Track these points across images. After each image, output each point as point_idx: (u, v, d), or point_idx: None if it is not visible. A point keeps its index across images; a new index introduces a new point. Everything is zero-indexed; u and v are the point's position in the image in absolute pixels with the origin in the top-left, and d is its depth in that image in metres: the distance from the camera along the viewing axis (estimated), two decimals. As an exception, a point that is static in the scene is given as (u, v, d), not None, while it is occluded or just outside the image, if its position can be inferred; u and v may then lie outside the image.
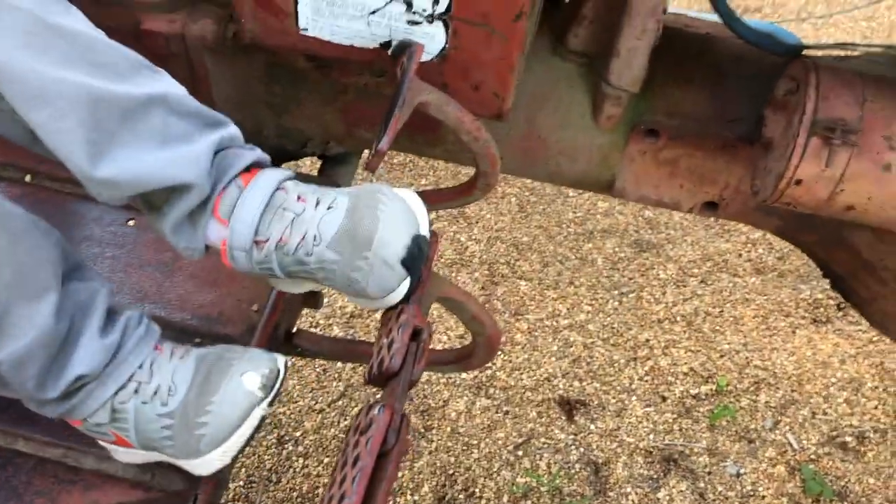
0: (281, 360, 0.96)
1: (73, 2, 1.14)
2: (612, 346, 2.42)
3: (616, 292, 2.56)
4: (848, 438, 2.24)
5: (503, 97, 1.08)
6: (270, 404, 0.94)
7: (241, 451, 0.95)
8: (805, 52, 1.21)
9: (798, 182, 0.98)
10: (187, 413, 0.92)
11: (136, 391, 0.94)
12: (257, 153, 0.98)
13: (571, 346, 2.41)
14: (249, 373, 0.92)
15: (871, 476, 2.17)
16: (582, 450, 2.19)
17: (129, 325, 0.96)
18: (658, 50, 1.21)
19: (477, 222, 2.78)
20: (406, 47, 1.00)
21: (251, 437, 0.94)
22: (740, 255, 2.69)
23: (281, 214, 0.91)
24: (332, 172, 1.46)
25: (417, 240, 0.90)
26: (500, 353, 2.39)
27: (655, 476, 2.16)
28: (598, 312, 2.50)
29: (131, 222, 1.27)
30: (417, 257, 0.89)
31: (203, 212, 0.93)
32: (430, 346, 0.95)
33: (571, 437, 2.22)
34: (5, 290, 0.83)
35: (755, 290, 2.57)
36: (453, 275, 2.59)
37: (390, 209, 0.90)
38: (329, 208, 0.91)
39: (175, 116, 0.91)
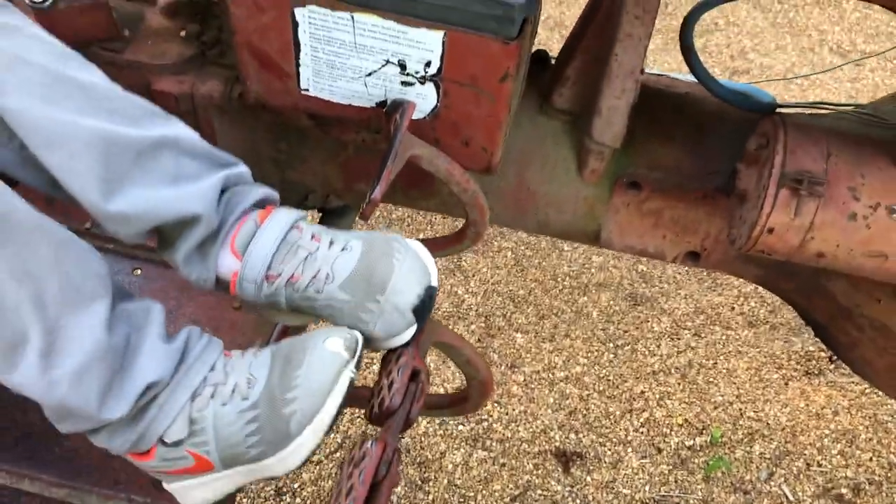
0: (356, 332, 0.94)
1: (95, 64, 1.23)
2: (607, 398, 2.45)
3: (611, 345, 2.60)
4: (843, 490, 2.25)
5: (492, 152, 1.14)
6: (356, 368, 0.91)
7: (332, 426, 0.90)
8: (778, 109, 1.29)
9: (770, 230, 1.04)
10: (273, 395, 0.89)
11: (212, 395, 0.91)
12: (266, 190, 1.04)
13: (567, 398, 2.44)
14: (332, 338, 0.91)
15: (866, 528, 2.17)
16: (578, 502, 2.21)
17: (192, 334, 0.95)
18: (639, 107, 1.28)
19: (473, 275, 2.83)
20: (399, 106, 1.07)
21: (343, 407, 0.90)
22: (733, 308, 2.73)
23: (295, 252, 0.95)
24: (331, 224, 1.52)
25: (430, 290, 0.95)
26: (496, 405, 2.42)
27: (652, 528, 2.17)
28: (594, 365, 2.54)
29: (138, 271, 1.33)
30: (428, 306, 0.94)
31: (213, 243, 0.98)
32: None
33: (568, 488, 2.24)
34: (54, 304, 0.84)
35: (748, 343, 2.61)
36: (450, 327, 2.63)
37: (405, 258, 0.95)
38: (343, 250, 0.96)
39: (186, 157, 0.97)
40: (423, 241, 1.29)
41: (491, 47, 1.00)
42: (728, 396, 2.45)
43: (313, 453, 0.92)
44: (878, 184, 1.01)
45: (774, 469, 2.29)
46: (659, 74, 1.38)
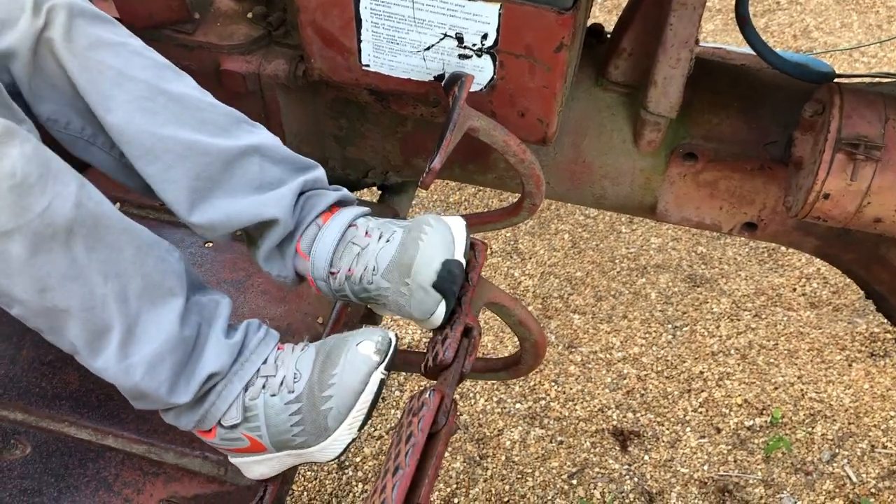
0: (390, 332, 1.01)
1: (163, 43, 1.30)
2: (665, 379, 2.44)
3: (669, 326, 2.59)
4: (909, 472, 2.22)
5: (547, 123, 1.17)
6: (387, 369, 0.97)
7: (365, 422, 0.97)
8: (837, 79, 1.28)
9: (826, 196, 1.04)
10: (313, 391, 0.96)
11: (263, 386, 0.99)
12: (341, 193, 1.11)
13: (625, 379, 2.45)
14: (364, 342, 0.97)
15: (934, 511, 2.13)
16: (636, 479, 2.22)
17: (250, 328, 1.04)
18: (695, 79, 1.29)
19: (530, 258, 2.85)
20: (457, 79, 1.10)
21: (375, 404, 0.97)
22: (794, 290, 2.69)
23: (350, 249, 1.03)
24: (391, 201, 1.56)
25: (448, 264, 0.97)
26: (553, 383, 2.44)
27: (710, 507, 2.17)
28: (652, 345, 2.54)
29: (209, 244, 1.39)
30: (448, 280, 0.97)
31: (290, 245, 1.07)
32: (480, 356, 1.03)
33: (625, 467, 2.25)
34: (136, 299, 0.93)
35: (810, 324, 2.58)
36: (508, 309, 2.66)
37: (430, 238, 0.99)
38: (387, 241, 1.02)
39: (270, 163, 1.06)
40: (479, 213, 1.33)
41: (546, 18, 1.03)
42: (789, 377, 2.42)
43: (350, 444, 0.99)
44: (938, 147, 1.00)
45: (837, 450, 2.26)
46: (715, 47, 1.38)
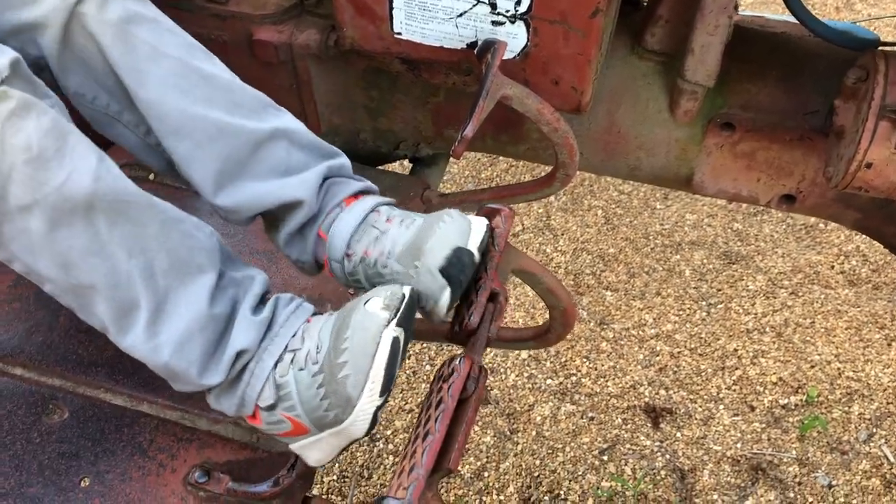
0: (406, 287, 0.94)
1: (196, 13, 1.30)
2: (699, 356, 2.42)
3: (704, 303, 2.56)
4: (951, 453, 2.17)
5: (582, 91, 1.15)
6: (401, 325, 0.91)
7: (388, 387, 0.91)
8: (881, 47, 1.24)
9: (869, 165, 1.01)
10: (331, 360, 0.92)
11: (292, 361, 0.95)
12: (365, 183, 1.10)
13: (658, 356, 2.43)
14: (372, 299, 0.92)
15: (974, 493, 2.09)
16: (668, 457, 2.20)
17: (280, 302, 1.01)
18: (733, 47, 1.26)
19: (562, 234, 2.83)
20: (490, 46, 1.09)
21: (393, 366, 0.91)
22: (832, 267, 2.65)
23: (370, 232, 1.02)
24: (422, 173, 1.56)
25: (459, 252, 0.95)
26: (585, 359, 2.43)
27: (743, 484, 2.15)
28: (686, 323, 2.51)
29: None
30: (457, 267, 0.94)
31: (312, 227, 1.06)
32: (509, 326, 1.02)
33: (657, 443, 2.24)
34: (163, 276, 0.92)
35: (848, 302, 2.53)
36: (540, 285, 2.65)
37: (447, 225, 0.97)
38: (406, 228, 1.00)
39: (296, 147, 1.05)
40: (513, 185, 1.32)
41: (581, -18, 1.01)
42: (826, 356, 2.38)
43: (380, 412, 0.93)
44: None
45: (874, 430, 2.22)
46: (755, 15, 1.35)
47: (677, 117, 1.26)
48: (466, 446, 2.28)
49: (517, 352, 2.44)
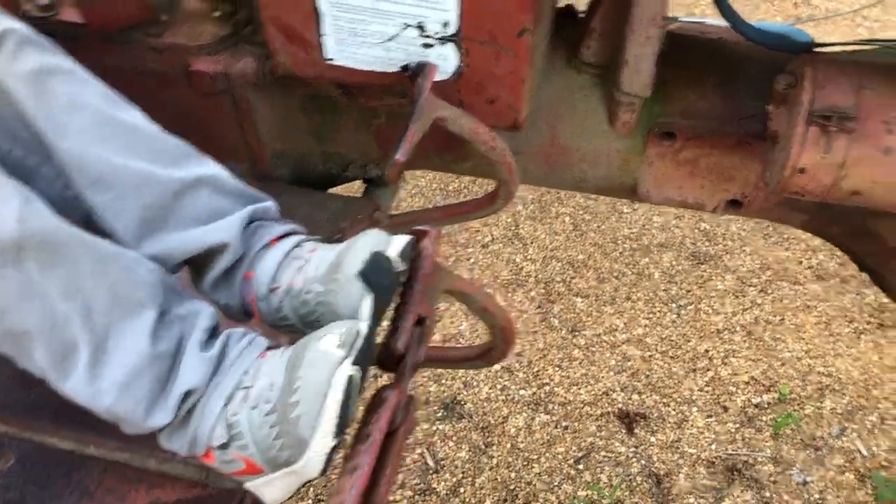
0: (362, 323, 0.91)
1: (133, 46, 1.29)
2: (670, 359, 2.42)
3: (674, 305, 2.57)
4: (922, 444, 2.18)
5: (517, 108, 1.14)
6: (357, 363, 0.87)
7: (344, 426, 0.87)
8: (816, 49, 1.25)
9: (802, 170, 1.01)
10: (284, 399, 0.89)
11: (244, 399, 0.92)
12: (290, 226, 1.09)
13: (629, 360, 2.43)
14: (327, 336, 0.89)
15: (947, 482, 2.10)
16: (643, 462, 2.20)
17: (232, 338, 0.98)
18: (670, 55, 1.26)
19: (531, 242, 2.83)
20: (422, 68, 1.08)
21: (348, 406, 0.87)
22: (800, 263, 2.66)
23: (293, 264, 1.01)
24: (374, 194, 1.55)
25: (377, 256, 0.93)
26: (557, 368, 2.42)
27: (719, 486, 2.15)
28: (656, 326, 2.51)
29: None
30: (376, 271, 0.92)
31: (238, 270, 1.05)
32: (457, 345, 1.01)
33: (632, 449, 2.23)
34: (102, 315, 0.89)
35: (817, 297, 2.54)
36: (509, 294, 2.64)
37: (366, 237, 0.96)
38: (330, 251, 1.00)
39: (219, 194, 1.04)
40: (456, 204, 1.32)
41: (506, 3, 1.01)
42: (796, 352, 2.39)
43: (335, 452, 0.89)
44: (914, 115, 0.97)
45: (847, 424, 2.23)
46: (693, 21, 1.35)
47: (617, 128, 1.25)
48: (442, 462, 2.27)
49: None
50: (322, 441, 0.87)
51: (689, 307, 2.55)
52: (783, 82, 1.05)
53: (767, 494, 2.12)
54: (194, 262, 1.06)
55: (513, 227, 2.89)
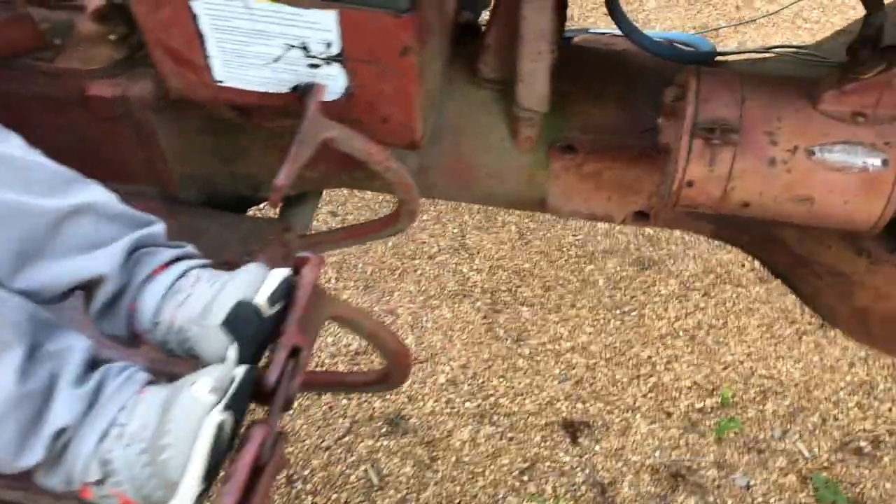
0: (239, 368, 0.90)
1: (24, 73, 1.25)
2: (614, 366, 2.41)
3: (618, 311, 2.56)
4: (862, 443, 2.19)
5: (412, 127, 1.13)
6: (230, 408, 0.87)
7: (215, 470, 0.87)
8: (718, 58, 1.24)
9: (690, 184, 1.01)
10: (155, 440, 0.89)
11: (119, 437, 0.91)
12: (179, 250, 1.06)
13: (574, 369, 2.42)
14: (200, 380, 0.89)
15: (887, 481, 2.11)
16: (587, 471, 2.19)
17: (109, 373, 0.96)
18: (573, 68, 1.25)
19: (478, 252, 2.81)
20: (308, 88, 1.06)
21: (218, 452, 0.87)
22: (743, 265, 2.66)
23: (175, 298, 0.98)
24: (290, 214, 1.52)
25: (240, 306, 0.92)
26: (502, 379, 2.41)
27: (663, 493, 2.14)
28: (600, 333, 2.51)
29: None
30: (240, 321, 0.91)
31: (122, 301, 1.02)
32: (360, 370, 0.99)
33: (576, 459, 2.22)
34: None
35: (759, 300, 2.55)
36: (456, 305, 2.63)
37: (237, 279, 0.94)
38: (211, 286, 0.97)
39: (104, 220, 1.00)
40: (358, 225, 1.30)
41: (384, 22, 0.99)
42: (738, 355, 2.39)
43: (204, 497, 0.88)
44: (796, 126, 0.97)
45: (789, 426, 2.23)
46: (600, 33, 1.35)
47: (519, 144, 1.24)
48: (386, 478, 2.25)
49: (434, 376, 2.42)
50: (191, 485, 0.86)
51: (633, 313, 2.55)
52: (670, 95, 1.05)
53: (711, 499, 2.12)
54: (83, 289, 1.03)
55: (459, 238, 2.88)
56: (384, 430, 2.31)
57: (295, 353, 0.90)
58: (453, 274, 2.75)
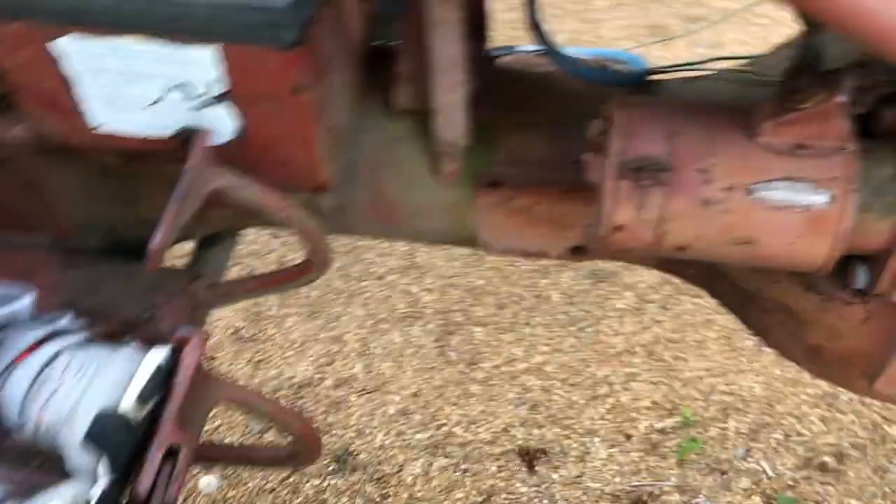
0: (94, 489, 0.83)
1: None
2: (570, 387, 2.32)
3: (573, 328, 2.47)
4: (826, 458, 2.12)
5: (315, 170, 1.02)
6: None
7: None
8: (652, 76, 1.15)
9: (619, 228, 0.91)
10: None
11: None
12: (50, 327, 0.94)
13: (529, 392, 2.32)
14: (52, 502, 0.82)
15: (852, 497, 2.04)
16: (545, 502, 2.09)
17: None
18: (498, 94, 1.15)
19: (429, 271, 2.71)
20: (191, 135, 0.94)
21: None
22: (700, 275, 2.59)
23: (43, 390, 0.87)
24: (206, 256, 1.40)
25: (104, 416, 0.82)
26: (454, 406, 2.30)
27: (624, 521, 2.05)
28: (556, 352, 2.41)
29: None
30: (104, 436, 0.82)
31: None
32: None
33: (534, 489, 2.12)
34: None
35: (717, 311, 2.46)
36: (406, 329, 2.52)
37: (104, 378, 0.84)
38: (79, 380, 0.86)
39: None
40: (267, 274, 1.18)
41: (271, 58, 0.88)
42: (698, 371, 2.31)
43: None
44: (732, 161, 0.87)
45: (751, 444, 2.15)
46: (524, 53, 1.24)
47: (442, 179, 1.13)
48: (337, 523, 2.14)
49: (384, 407, 2.30)
50: None
51: (589, 329, 2.46)
52: (595, 129, 0.95)
53: (674, 526, 2.04)
54: None
55: (409, 256, 2.77)
56: (331, 468, 2.19)
57: (173, 453, 0.78)
58: (403, 295, 2.64)
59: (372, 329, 2.52)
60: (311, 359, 2.44)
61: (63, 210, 1.26)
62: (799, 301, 1.06)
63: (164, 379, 0.83)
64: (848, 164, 0.85)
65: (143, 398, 0.81)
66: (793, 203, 0.85)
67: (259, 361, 2.44)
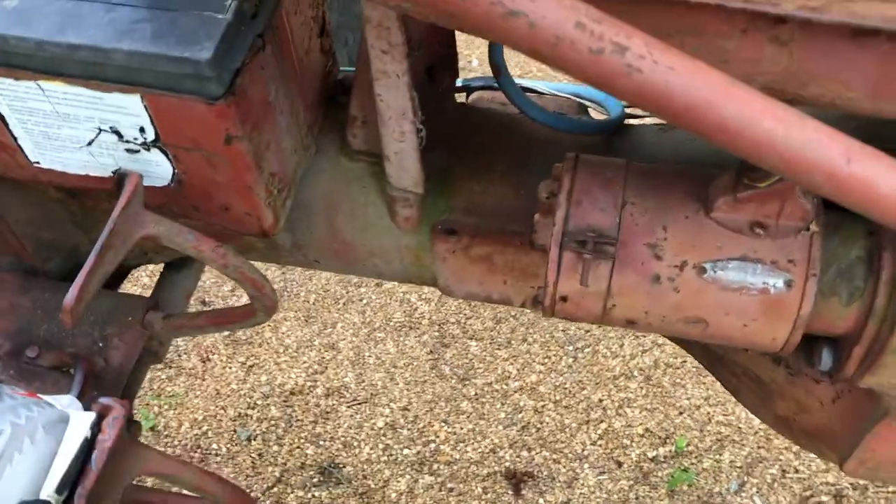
0: None
1: None
2: (563, 409, 2.27)
3: (571, 348, 2.41)
4: (824, 497, 2.04)
5: (257, 216, 0.97)
6: None
7: None
8: (627, 121, 1.09)
9: (564, 298, 0.85)
10: None
11: None
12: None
13: (521, 412, 2.27)
14: None
15: (849, 542, 1.97)
16: (529, 527, 2.05)
17: None
18: (459, 136, 1.10)
19: (428, 280, 2.66)
20: (123, 178, 0.91)
21: None
22: (706, 297, 2.51)
23: None
24: (172, 279, 1.37)
25: None
26: (444, 423, 2.26)
27: (609, 553, 2.00)
28: (551, 371, 2.36)
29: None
30: None
31: None
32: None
33: (518, 513, 2.08)
34: None
35: (721, 336, 2.39)
36: (401, 339, 2.48)
37: (22, 462, 0.79)
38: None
39: None
40: (213, 311, 1.15)
41: (197, 109, 0.83)
42: (695, 399, 2.24)
43: None
44: (684, 237, 0.81)
45: (746, 479, 2.08)
46: (494, 87, 1.18)
47: (399, 224, 1.08)
48: (318, 538, 2.12)
49: (373, 419, 2.27)
50: None
51: (587, 350, 2.39)
52: (545, 191, 0.89)
53: (660, 560, 1.98)
54: None
55: (410, 263, 2.72)
56: (316, 479, 2.17)
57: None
58: (400, 304, 2.60)
59: (367, 337, 2.49)
60: (304, 365, 2.42)
61: (24, 230, 1.23)
62: (767, 372, 1.00)
63: (84, 453, 0.79)
64: (808, 246, 0.78)
65: (61, 487, 0.77)
66: (747, 285, 0.79)
67: (252, 366, 2.42)
